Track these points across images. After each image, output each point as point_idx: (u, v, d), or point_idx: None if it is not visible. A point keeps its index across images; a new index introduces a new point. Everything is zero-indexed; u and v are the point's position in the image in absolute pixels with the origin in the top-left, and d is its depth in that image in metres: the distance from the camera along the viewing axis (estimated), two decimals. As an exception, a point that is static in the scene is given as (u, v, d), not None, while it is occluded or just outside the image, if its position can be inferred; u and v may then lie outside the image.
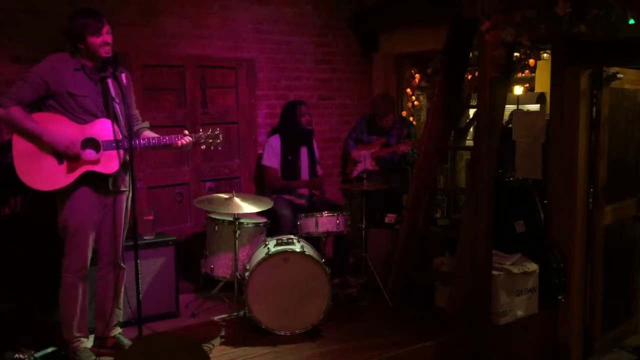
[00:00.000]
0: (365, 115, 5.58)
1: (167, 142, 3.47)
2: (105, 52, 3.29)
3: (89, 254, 3.40)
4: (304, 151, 4.98)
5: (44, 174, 3.23)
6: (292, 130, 4.93)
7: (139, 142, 3.43)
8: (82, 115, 3.29)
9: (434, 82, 5.79)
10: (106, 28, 3.28)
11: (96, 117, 3.32)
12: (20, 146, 3.22)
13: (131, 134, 3.33)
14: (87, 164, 3.28)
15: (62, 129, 3.25)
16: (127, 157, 3.41)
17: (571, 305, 4.21)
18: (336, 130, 5.79)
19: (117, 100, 3.33)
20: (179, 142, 3.48)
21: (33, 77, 3.22)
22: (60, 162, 3.25)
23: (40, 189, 3.23)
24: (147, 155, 4.57)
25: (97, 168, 3.30)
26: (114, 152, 3.32)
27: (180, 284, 4.34)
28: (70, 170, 3.26)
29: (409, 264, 4.42)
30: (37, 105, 3.27)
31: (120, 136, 3.33)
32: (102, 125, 3.33)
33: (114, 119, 3.34)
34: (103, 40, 3.27)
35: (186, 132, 3.56)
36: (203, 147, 3.63)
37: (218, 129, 3.66)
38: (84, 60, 3.31)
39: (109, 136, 3.32)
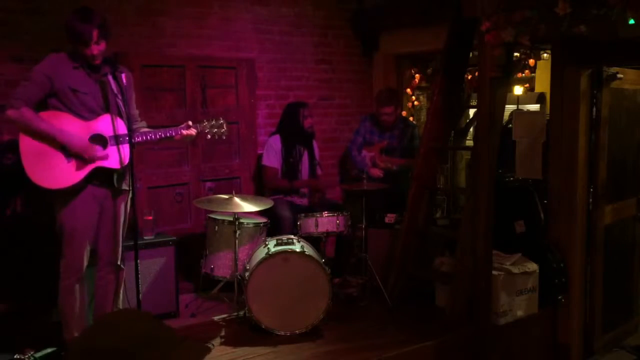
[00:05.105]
0: (368, 115, 5.56)
1: (172, 133, 3.47)
2: (96, 61, 3.29)
3: (85, 256, 3.40)
4: (304, 153, 4.97)
5: (54, 172, 3.22)
6: (293, 132, 4.91)
7: (142, 136, 3.41)
8: (84, 112, 3.30)
9: (434, 82, 5.77)
10: (96, 39, 3.21)
11: (97, 114, 3.33)
12: (27, 145, 3.21)
13: (131, 133, 3.33)
14: (97, 160, 3.29)
15: (69, 126, 3.25)
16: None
17: (571, 305, 4.21)
18: (336, 131, 5.79)
19: (119, 97, 3.34)
20: (185, 132, 3.49)
21: (37, 76, 3.22)
22: (68, 159, 3.25)
23: (50, 187, 3.22)
24: (147, 155, 4.57)
25: (106, 163, 3.31)
26: (121, 146, 3.33)
27: (180, 284, 4.35)
28: (79, 167, 3.26)
29: (409, 264, 4.42)
30: (40, 104, 3.26)
31: (126, 131, 3.33)
32: (107, 120, 3.34)
33: (118, 114, 3.35)
34: (91, 53, 3.25)
35: (190, 123, 3.55)
36: (208, 136, 3.63)
37: (221, 118, 3.66)
38: (82, 60, 3.31)
39: (115, 131, 3.33)
